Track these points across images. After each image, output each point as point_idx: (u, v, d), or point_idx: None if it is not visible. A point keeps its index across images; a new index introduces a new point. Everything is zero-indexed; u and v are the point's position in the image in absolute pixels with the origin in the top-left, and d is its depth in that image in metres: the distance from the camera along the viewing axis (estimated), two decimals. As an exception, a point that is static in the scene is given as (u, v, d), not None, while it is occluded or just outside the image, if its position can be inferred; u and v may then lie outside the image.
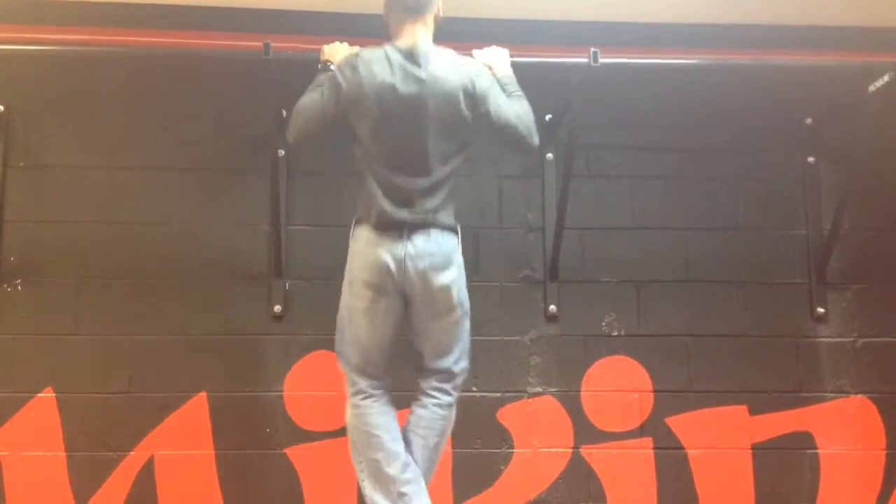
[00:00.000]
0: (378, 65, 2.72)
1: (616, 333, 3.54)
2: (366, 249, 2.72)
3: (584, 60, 3.06)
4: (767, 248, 3.62)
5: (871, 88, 3.24)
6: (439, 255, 2.71)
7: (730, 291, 3.58)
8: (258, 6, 3.43)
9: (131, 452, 3.32)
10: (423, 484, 2.73)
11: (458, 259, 2.79)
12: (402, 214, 2.70)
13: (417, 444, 2.77)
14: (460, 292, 2.77)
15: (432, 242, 2.71)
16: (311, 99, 2.83)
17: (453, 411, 2.85)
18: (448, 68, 2.74)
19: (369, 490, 2.73)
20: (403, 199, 2.71)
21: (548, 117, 3.56)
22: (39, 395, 3.33)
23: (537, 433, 3.45)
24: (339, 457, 3.35)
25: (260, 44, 3.01)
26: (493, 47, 3.01)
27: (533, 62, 3.09)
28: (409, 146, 2.71)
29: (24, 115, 3.47)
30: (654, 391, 3.50)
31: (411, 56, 2.71)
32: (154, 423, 3.34)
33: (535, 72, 3.07)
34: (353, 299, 2.75)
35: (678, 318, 3.55)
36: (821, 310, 3.58)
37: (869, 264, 3.63)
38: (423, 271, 2.69)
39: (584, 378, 3.50)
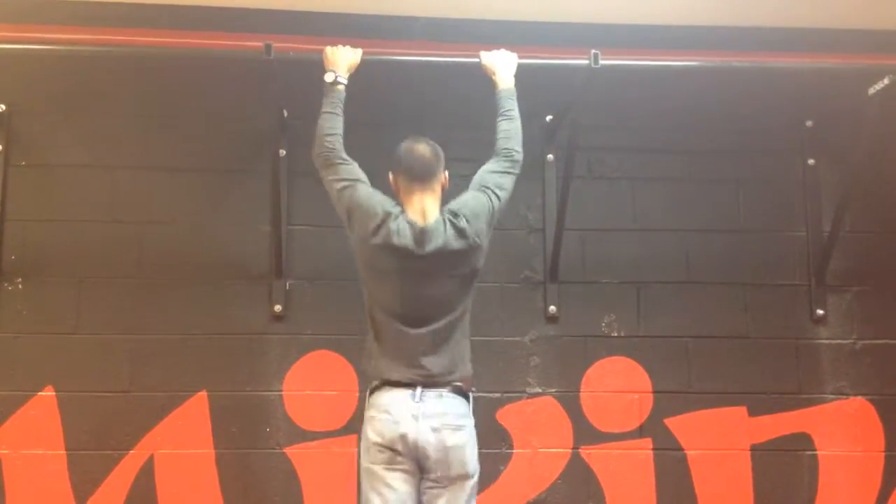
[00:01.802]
0: (390, 229, 2.67)
1: (616, 334, 3.54)
2: (380, 415, 2.65)
3: (586, 62, 3.06)
4: (767, 249, 3.63)
5: (871, 91, 3.24)
6: (453, 415, 2.66)
7: (730, 293, 3.58)
8: (260, 6, 3.44)
9: (131, 451, 3.32)
10: None
11: (471, 427, 2.72)
12: (415, 374, 2.66)
13: None
14: (474, 459, 2.69)
15: (444, 402, 2.66)
16: (333, 143, 2.80)
17: None
18: (451, 236, 2.69)
19: None
20: (416, 354, 2.67)
21: (548, 118, 3.57)
22: (40, 393, 3.33)
23: (537, 434, 3.46)
24: (339, 456, 3.36)
25: (261, 44, 3.00)
26: (502, 51, 3.02)
27: (534, 64, 3.09)
28: (418, 308, 2.68)
29: (25, 114, 3.47)
30: (654, 392, 3.50)
31: (422, 235, 2.67)
32: (154, 422, 3.34)
33: (537, 73, 3.07)
34: (371, 465, 2.66)
35: (678, 319, 3.55)
36: (820, 311, 3.58)
37: (868, 266, 3.63)
38: (437, 428, 2.63)
39: (584, 379, 3.50)
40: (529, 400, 3.48)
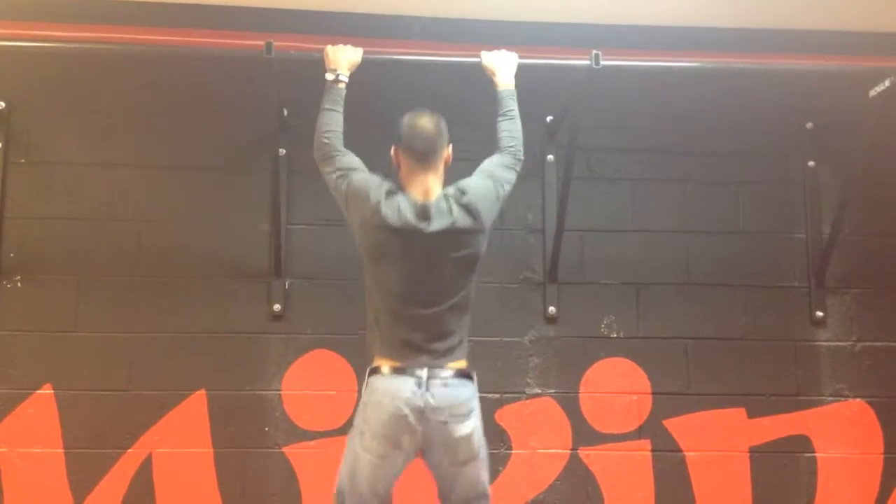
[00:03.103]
0: (389, 209, 2.66)
1: (615, 335, 3.54)
2: (382, 401, 2.62)
3: (586, 62, 3.06)
4: (767, 251, 3.63)
5: (872, 93, 3.24)
6: (458, 403, 2.64)
7: (729, 294, 3.58)
8: (260, 5, 3.43)
9: (130, 450, 3.32)
10: None
11: (477, 407, 2.71)
12: (419, 361, 2.63)
13: None
14: (480, 439, 2.69)
15: (450, 390, 2.64)
16: (334, 139, 2.80)
17: None
18: (458, 214, 2.68)
19: None
20: (419, 340, 2.65)
21: (549, 119, 3.57)
22: (38, 391, 3.33)
23: (536, 434, 3.45)
24: (337, 455, 3.32)
25: (262, 43, 3.00)
26: (503, 51, 3.01)
27: (535, 64, 3.09)
28: (420, 285, 2.67)
29: (25, 111, 3.47)
30: (653, 393, 3.50)
31: (424, 211, 2.66)
32: (153, 421, 3.34)
33: (537, 73, 3.07)
34: (363, 452, 2.63)
35: (677, 320, 3.55)
36: (820, 313, 3.58)
37: (868, 269, 3.63)
38: (444, 422, 2.61)
39: (583, 380, 3.50)
40: (528, 401, 3.48)
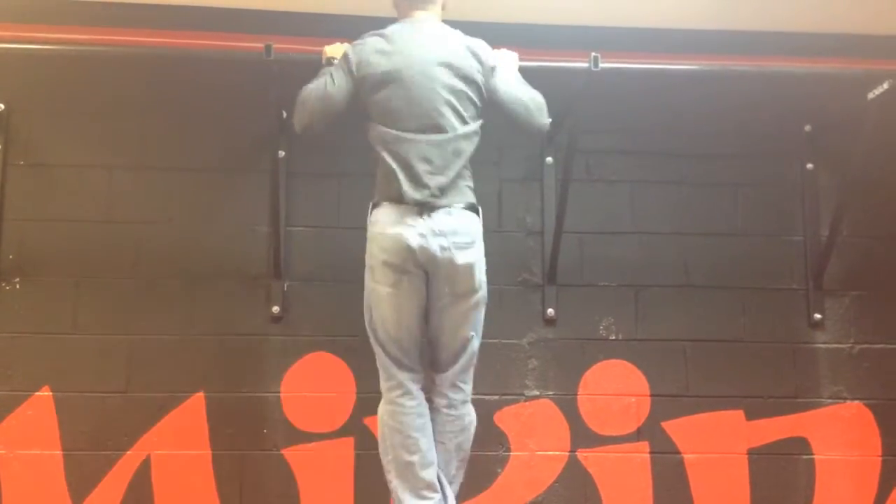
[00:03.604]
0: (383, 39, 2.76)
1: (614, 337, 3.54)
2: (385, 230, 2.66)
3: (585, 65, 3.06)
4: (765, 253, 3.63)
5: (871, 96, 3.24)
6: (462, 231, 2.67)
7: (727, 297, 3.58)
8: (260, 7, 3.44)
9: (128, 452, 3.32)
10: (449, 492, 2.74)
11: (480, 239, 2.74)
12: (423, 191, 2.66)
13: (438, 449, 2.75)
14: (481, 274, 2.72)
15: (454, 219, 2.67)
16: (318, 83, 2.84)
17: (468, 408, 2.83)
18: (457, 37, 2.81)
19: (399, 490, 2.70)
20: (422, 172, 2.67)
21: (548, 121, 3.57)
22: (37, 393, 3.33)
23: (534, 436, 3.45)
24: (336, 458, 3.36)
25: (261, 45, 3.00)
26: (503, 50, 3.02)
27: (534, 66, 3.09)
28: (425, 102, 2.70)
29: (24, 113, 3.47)
30: (651, 395, 3.50)
31: (426, 38, 2.75)
32: (151, 423, 3.34)
33: (536, 76, 3.07)
34: (376, 284, 2.68)
35: (676, 322, 3.56)
36: (818, 316, 3.59)
37: (866, 271, 3.64)
38: (446, 247, 2.64)
39: (582, 382, 3.50)
40: (527, 402, 3.48)
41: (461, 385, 2.81)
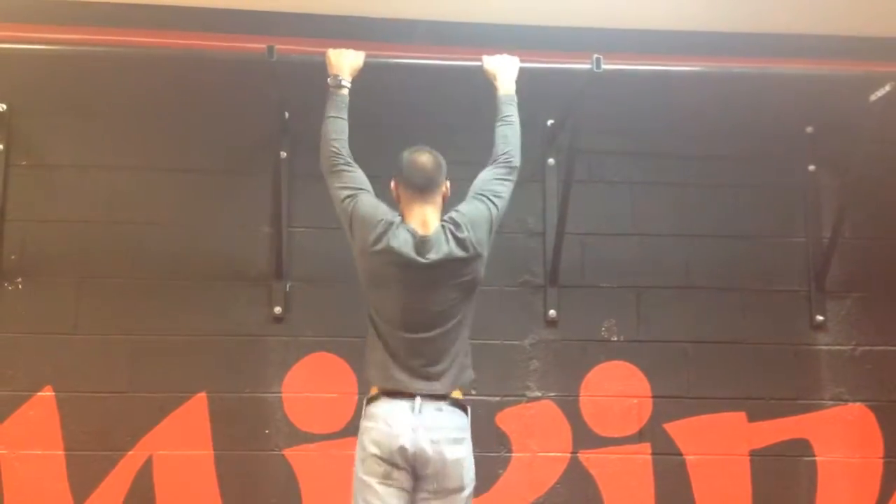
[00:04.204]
0: (392, 239, 2.68)
1: (615, 339, 3.54)
2: (377, 425, 2.65)
3: (587, 66, 3.07)
4: (767, 255, 3.63)
5: (873, 98, 3.25)
6: (452, 428, 2.67)
7: (729, 298, 3.59)
8: (262, 8, 3.43)
9: (130, 452, 3.32)
10: None
11: (468, 439, 2.72)
12: (415, 386, 2.66)
13: None
14: (470, 471, 2.70)
15: (444, 416, 2.67)
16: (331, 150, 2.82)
17: None
18: (453, 246, 2.69)
19: None
20: (415, 367, 2.67)
21: (549, 122, 3.57)
22: (39, 393, 3.33)
23: (536, 438, 3.46)
24: (338, 458, 3.35)
25: (264, 46, 3.01)
26: (504, 55, 3.02)
27: (536, 67, 3.09)
28: (417, 308, 2.68)
29: (26, 114, 3.47)
30: (653, 397, 3.50)
31: (423, 244, 2.68)
32: (153, 423, 3.34)
33: (539, 77, 3.08)
34: (366, 476, 2.65)
35: (677, 324, 3.56)
36: (820, 318, 3.59)
37: (868, 273, 3.64)
38: (437, 442, 2.63)
39: (583, 383, 3.50)
40: (529, 404, 3.48)
41: None
